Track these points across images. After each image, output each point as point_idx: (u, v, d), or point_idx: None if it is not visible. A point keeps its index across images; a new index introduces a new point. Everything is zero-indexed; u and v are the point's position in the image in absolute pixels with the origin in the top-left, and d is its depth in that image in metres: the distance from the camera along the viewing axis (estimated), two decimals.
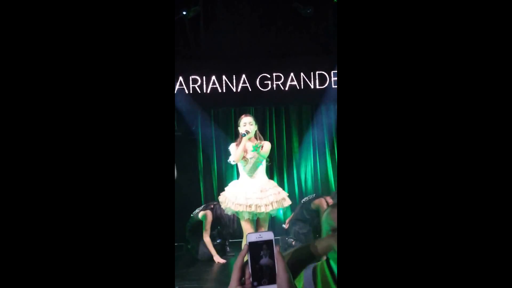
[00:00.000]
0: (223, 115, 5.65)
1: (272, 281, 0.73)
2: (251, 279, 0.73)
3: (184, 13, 5.23)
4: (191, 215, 4.57)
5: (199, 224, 4.42)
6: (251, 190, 3.34)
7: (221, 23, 5.50)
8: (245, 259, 0.75)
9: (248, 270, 0.74)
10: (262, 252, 0.74)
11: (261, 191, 3.34)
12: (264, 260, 0.74)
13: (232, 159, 3.45)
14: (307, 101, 5.61)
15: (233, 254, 4.57)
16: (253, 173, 3.42)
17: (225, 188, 3.56)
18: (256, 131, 3.47)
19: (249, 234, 0.76)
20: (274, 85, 5.52)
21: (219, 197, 3.53)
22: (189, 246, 4.55)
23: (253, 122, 3.44)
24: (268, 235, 0.75)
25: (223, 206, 3.48)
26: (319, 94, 5.50)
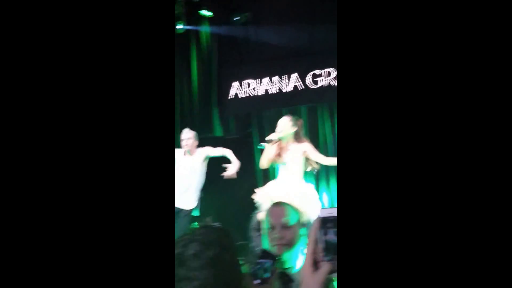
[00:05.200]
0: (274, 116, 5.74)
1: None
2: (322, 253, 0.73)
3: (238, 17, 5.45)
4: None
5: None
6: (279, 188, 3.35)
7: (269, 26, 5.61)
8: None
9: (320, 244, 0.74)
10: (331, 229, 0.74)
11: (287, 192, 3.27)
12: (332, 237, 0.74)
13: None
14: None
15: None
16: (289, 174, 3.42)
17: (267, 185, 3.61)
18: (296, 132, 3.41)
19: (322, 209, 0.76)
20: (325, 82, 5.49)
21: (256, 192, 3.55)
22: (250, 245, 4.70)
23: (286, 124, 3.38)
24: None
25: (256, 197, 3.50)
26: None
